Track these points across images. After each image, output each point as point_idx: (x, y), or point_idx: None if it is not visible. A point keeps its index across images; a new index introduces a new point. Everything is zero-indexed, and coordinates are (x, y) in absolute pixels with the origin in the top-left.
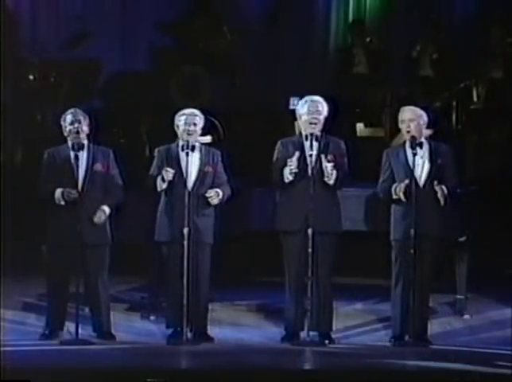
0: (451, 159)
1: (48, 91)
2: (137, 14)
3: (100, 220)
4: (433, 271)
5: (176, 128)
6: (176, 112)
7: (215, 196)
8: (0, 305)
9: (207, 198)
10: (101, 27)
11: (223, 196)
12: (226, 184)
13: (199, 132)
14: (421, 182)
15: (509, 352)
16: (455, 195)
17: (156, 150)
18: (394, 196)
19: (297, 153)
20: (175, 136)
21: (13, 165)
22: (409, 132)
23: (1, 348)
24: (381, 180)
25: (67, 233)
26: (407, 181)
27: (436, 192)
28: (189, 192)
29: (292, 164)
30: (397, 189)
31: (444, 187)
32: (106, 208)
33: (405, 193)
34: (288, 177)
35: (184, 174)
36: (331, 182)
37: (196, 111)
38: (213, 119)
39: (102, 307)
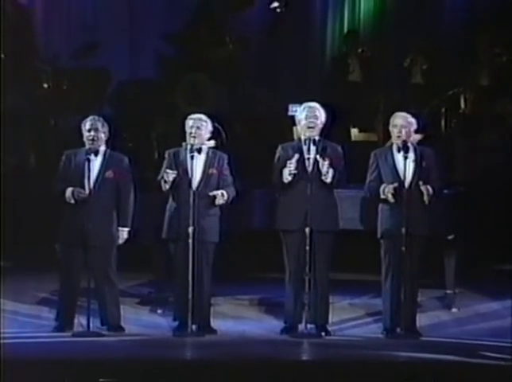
0: (435, 162)
1: (61, 98)
2: (145, 26)
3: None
4: (420, 267)
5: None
6: (181, 118)
7: (220, 196)
8: (0, 298)
9: (212, 198)
10: (110, 38)
11: (228, 197)
12: (231, 186)
13: (205, 136)
14: (407, 183)
15: (494, 344)
16: (441, 195)
17: (166, 153)
18: (382, 196)
19: (296, 156)
20: (179, 141)
21: (29, 167)
22: (399, 137)
23: (2, 341)
24: (368, 180)
25: (77, 234)
26: (396, 184)
27: (421, 193)
28: (194, 193)
29: (292, 165)
30: (386, 190)
31: (429, 187)
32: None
33: (393, 195)
34: (287, 177)
35: (190, 176)
36: (329, 180)
37: (203, 117)
38: (216, 125)
39: (109, 302)
